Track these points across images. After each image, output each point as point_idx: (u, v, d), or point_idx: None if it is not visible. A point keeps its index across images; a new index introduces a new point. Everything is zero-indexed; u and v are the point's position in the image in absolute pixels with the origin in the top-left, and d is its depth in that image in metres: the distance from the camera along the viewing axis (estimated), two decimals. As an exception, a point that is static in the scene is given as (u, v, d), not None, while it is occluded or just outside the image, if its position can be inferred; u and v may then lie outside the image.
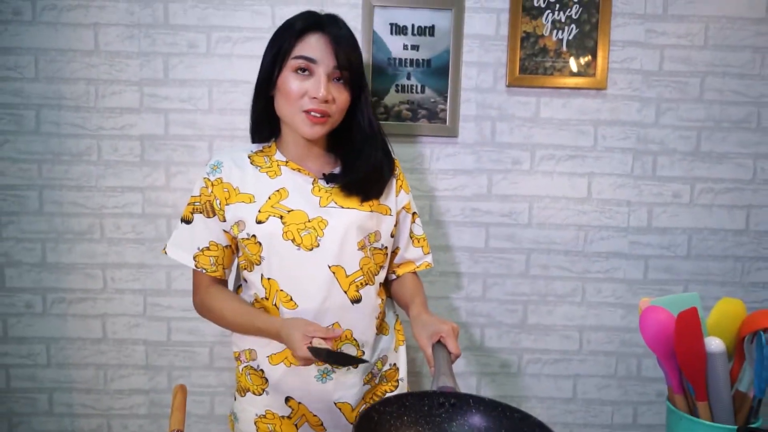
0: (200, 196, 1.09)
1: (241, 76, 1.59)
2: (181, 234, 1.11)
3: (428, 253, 1.23)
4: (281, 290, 1.05)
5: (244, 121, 1.59)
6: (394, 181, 1.17)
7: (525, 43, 1.58)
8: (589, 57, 1.59)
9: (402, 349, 1.22)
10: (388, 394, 1.15)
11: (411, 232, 1.20)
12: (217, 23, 1.57)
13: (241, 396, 1.15)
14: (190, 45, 1.58)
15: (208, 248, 1.09)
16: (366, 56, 1.56)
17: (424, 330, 1.00)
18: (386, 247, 1.14)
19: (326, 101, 1.02)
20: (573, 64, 1.59)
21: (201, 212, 1.09)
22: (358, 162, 1.09)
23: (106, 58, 1.58)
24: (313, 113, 1.02)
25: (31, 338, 1.65)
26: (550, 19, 1.58)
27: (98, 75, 1.58)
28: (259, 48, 1.59)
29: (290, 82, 1.02)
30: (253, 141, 1.17)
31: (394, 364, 1.19)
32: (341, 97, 1.04)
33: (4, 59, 1.56)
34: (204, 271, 1.09)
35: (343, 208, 1.07)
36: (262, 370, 1.10)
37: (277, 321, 1.02)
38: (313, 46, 1.02)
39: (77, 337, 1.66)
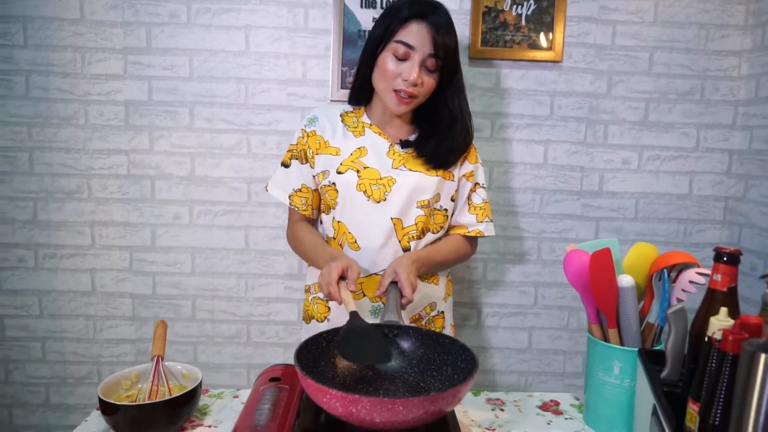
0: (297, 144, 1.26)
1: (220, 45, 1.69)
2: (280, 175, 1.28)
3: (483, 221, 1.30)
4: (349, 233, 1.21)
5: (221, 89, 1.71)
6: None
7: (486, 18, 1.69)
8: (547, 31, 1.71)
9: (450, 300, 1.36)
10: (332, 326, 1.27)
11: (469, 199, 1.30)
12: (197, -5, 1.67)
13: (307, 323, 1.32)
14: (171, 15, 1.68)
15: (300, 190, 1.26)
16: (337, 28, 1.66)
17: (392, 264, 1.13)
18: (446, 209, 1.27)
19: (415, 85, 1.14)
20: (531, 38, 1.71)
21: (297, 158, 1.26)
22: (441, 141, 1.21)
23: (92, 26, 1.67)
24: (402, 93, 1.14)
25: (24, 290, 1.77)
26: (510, -5, 1.69)
27: (84, 43, 1.68)
28: (237, 19, 1.70)
29: (388, 62, 1.14)
30: (350, 103, 1.30)
31: (442, 312, 1.32)
32: (429, 81, 1.16)
33: (-6, 26, 1.65)
34: (296, 209, 1.27)
35: (411, 171, 1.21)
36: (327, 300, 1.24)
37: (325, 257, 1.14)
38: (414, 33, 1.12)
39: (67, 290, 1.78)
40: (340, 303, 1.03)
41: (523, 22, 1.70)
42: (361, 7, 1.67)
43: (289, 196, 1.26)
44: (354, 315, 0.97)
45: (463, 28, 1.71)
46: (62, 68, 1.68)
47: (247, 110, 1.72)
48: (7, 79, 1.67)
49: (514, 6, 1.69)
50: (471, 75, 1.73)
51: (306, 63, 1.71)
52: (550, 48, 1.71)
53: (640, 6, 1.72)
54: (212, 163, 1.74)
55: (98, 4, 1.66)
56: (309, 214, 1.28)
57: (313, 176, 1.25)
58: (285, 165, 1.27)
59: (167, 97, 1.71)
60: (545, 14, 1.70)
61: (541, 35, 1.70)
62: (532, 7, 1.69)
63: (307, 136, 1.24)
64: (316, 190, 1.27)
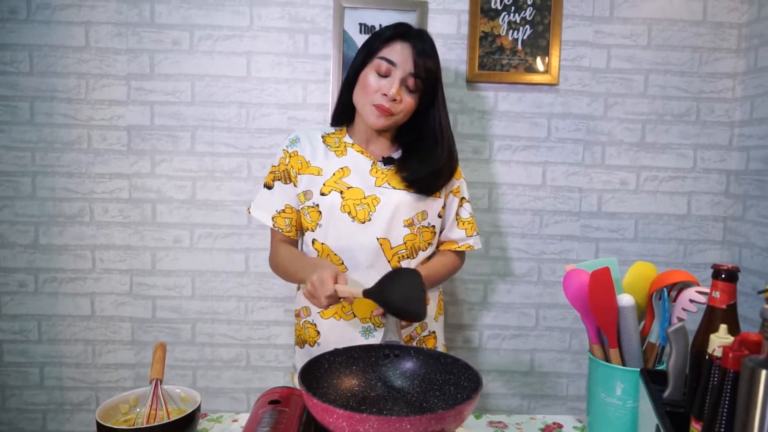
0: (279, 165, 1.25)
1: (221, 71, 1.72)
2: (263, 197, 1.27)
3: (472, 235, 1.33)
4: (335, 254, 1.20)
5: (223, 113, 1.73)
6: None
7: (483, 42, 1.72)
8: (543, 55, 1.74)
9: (441, 319, 1.36)
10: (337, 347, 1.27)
11: (457, 214, 1.32)
12: (199, 22, 1.70)
13: (300, 348, 1.30)
14: (174, 42, 1.71)
15: (284, 211, 1.25)
16: (336, 53, 1.69)
17: None
18: (434, 226, 1.27)
19: (394, 100, 1.15)
20: (528, 62, 1.74)
21: (280, 179, 1.25)
22: (423, 161, 1.22)
23: (96, 53, 1.70)
24: (381, 108, 1.16)
25: (23, 315, 1.77)
26: (506, 20, 1.72)
27: (88, 69, 1.71)
28: (238, 45, 1.73)
29: (370, 77, 1.17)
30: (332, 125, 1.32)
31: (433, 332, 1.32)
32: (408, 100, 1.18)
33: (0, 54, 1.68)
34: (280, 230, 1.25)
35: (394, 189, 1.21)
36: (315, 324, 1.25)
37: (307, 268, 1.12)
38: (397, 51, 1.16)
39: (67, 315, 1.77)
40: (340, 300, 1.05)
41: (519, 47, 1.73)
42: (360, 32, 1.70)
43: (273, 218, 1.25)
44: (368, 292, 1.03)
45: (460, 53, 1.74)
46: (66, 94, 1.71)
47: (247, 134, 1.74)
48: (12, 105, 1.70)
49: (510, 31, 1.72)
50: (469, 98, 1.76)
51: (306, 87, 1.73)
52: (546, 71, 1.74)
53: (634, 30, 1.75)
54: (213, 187, 1.75)
55: (103, 32, 1.69)
56: (293, 235, 1.27)
57: (297, 195, 1.24)
58: (268, 186, 1.26)
59: (169, 122, 1.73)
60: (541, 38, 1.73)
61: (538, 59, 1.73)
62: (528, 32, 1.72)
63: (289, 156, 1.24)
64: (300, 210, 1.26)
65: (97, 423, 0.90)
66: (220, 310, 1.79)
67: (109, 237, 1.75)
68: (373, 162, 1.24)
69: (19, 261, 1.75)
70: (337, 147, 1.25)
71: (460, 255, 1.36)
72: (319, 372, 0.94)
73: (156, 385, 1.01)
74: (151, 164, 1.74)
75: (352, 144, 1.25)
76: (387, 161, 1.24)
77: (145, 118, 1.72)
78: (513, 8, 1.71)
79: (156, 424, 0.92)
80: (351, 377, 0.99)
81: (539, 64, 1.74)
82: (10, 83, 1.69)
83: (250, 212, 1.28)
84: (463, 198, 1.32)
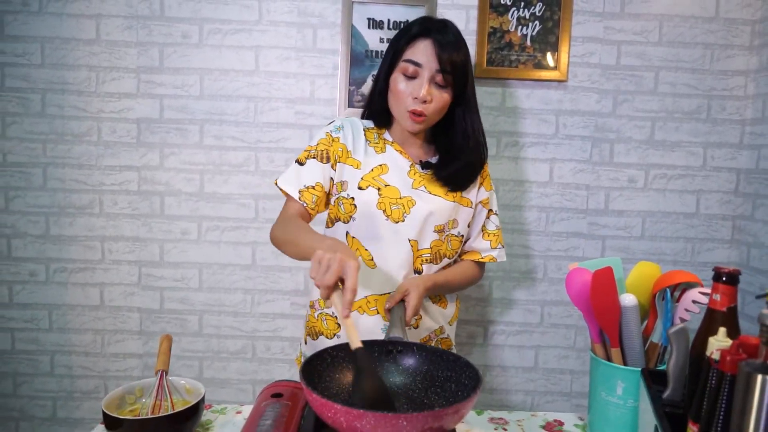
0: (318, 145, 1.22)
1: (230, 65, 1.73)
2: (293, 172, 1.23)
3: (496, 248, 1.32)
4: (365, 249, 1.20)
5: (231, 107, 1.74)
6: (478, 177, 1.29)
7: (492, 38, 1.71)
8: (552, 51, 1.72)
9: (455, 324, 1.36)
10: (340, 342, 1.25)
11: (484, 225, 1.32)
12: (209, 16, 1.71)
13: (313, 339, 1.30)
14: (183, 36, 1.72)
15: (313, 187, 1.22)
16: (344, 48, 1.69)
17: (406, 282, 1.16)
18: (462, 235, 1.27)
19: (424, 101, 1.14)
20: (536, 58, 1.72)
21: (315, 157, 1.22)
22: (454, 158, 1.22)
23: (107, 46, 1.72)
24: (414, 113, 1.15)
25: (34, 304, 1.80)
26: (515, 16, 1.71)
27: (99, 62, 1.72)
28: (247, 39, 1.74)
29: (398, 82, 1.16)
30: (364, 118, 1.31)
31: (448, 336, 1.32)
32: (440, 97, 1.16)
33: (12, 47, 1.70)
34: (305, 204, 1.21)
35: (430, 194, 1.21)
36: (336, 316, 1.25)
37: (322, 242, 1.01)
38: (420, 51, 1.14)
39: (77, 304, 1.80)
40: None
41: (528, 43, 1.72)
42: (369, 27, 1.70)
43: (300, 191, 1.20)
44: (361, 354, 0.87)
45: (469, 48, 1.73)
46: (77, 86, 1.72)
47: (255, 128, 1.75)
48: (24, 97, 1.72)
49: (519, 27, 1.71)
50: (477, 94, 1.74)
51: (314, 82, 1.74)
52: (555, 67, 1.73)
53: (645, 26, 1.73)
54: (221, 180, 1.77)
55: (113, 24, 1.71)
56: (314, 214, 1.23)
57: (331, 178, 1.22)
58: (299, 163, 1.23)
59: (178, 115, 1.74)
60: (550, 34, 1.71)
61: (547, 55, 1.72)
62: (537, 28, 1.71)
63: (333, 140, 1.23)
64: (327, 192, 1.24)
65: (104, 413, 0.92)
66: (226, 302, 1.81)
67: (118, 228, 1.78)
68: (412, 164, 1.23)
69: (30, 251, 1.78)
70: (377, 143, 1.25)
71: (481, 266, 1.36)
72: (321, 366, 0.95)
73: (161, 376, 1.03)
74: (160, 157, 1.76)
75: (392, 142, 1.25)
76: (425, 165, 1.23)
77: (154, 111, 1.74)
78: (522, 4, 1.70)
79: (160, 414, 0.94)
80: (353, 371, 1.00)
81: (548, 60, 1.72)
82: (22, 75, 1.71)
83: (276, 184, 1.23)
84: (491, 210, 1.32)
